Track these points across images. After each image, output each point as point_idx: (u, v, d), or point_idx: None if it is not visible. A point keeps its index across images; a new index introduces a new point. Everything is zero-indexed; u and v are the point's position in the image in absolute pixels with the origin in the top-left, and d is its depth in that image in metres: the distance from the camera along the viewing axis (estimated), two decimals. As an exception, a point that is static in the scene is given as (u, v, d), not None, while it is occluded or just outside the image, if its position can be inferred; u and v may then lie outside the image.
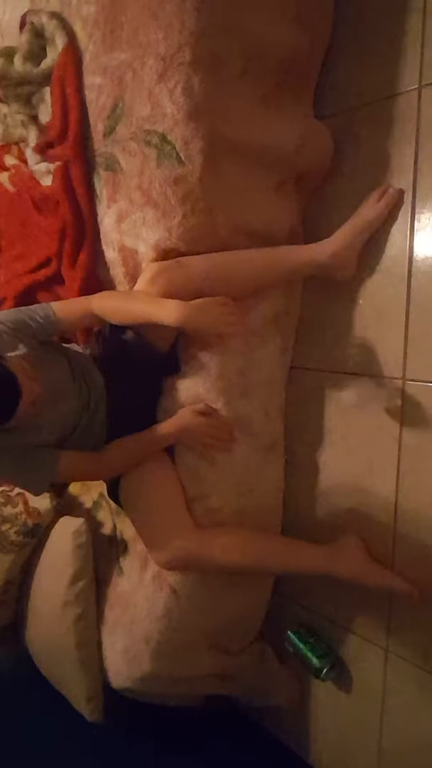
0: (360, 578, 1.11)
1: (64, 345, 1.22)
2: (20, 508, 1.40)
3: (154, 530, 1.15)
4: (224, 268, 1.13)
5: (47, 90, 1.34)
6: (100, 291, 1.20)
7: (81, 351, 1.22)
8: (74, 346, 1.24)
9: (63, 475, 1.16)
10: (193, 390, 1.18)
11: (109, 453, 1.15)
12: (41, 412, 1.02)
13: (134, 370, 1.17)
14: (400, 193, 1.09)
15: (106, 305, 1.12)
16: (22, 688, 1.46)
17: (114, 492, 1.22)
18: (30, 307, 1.12)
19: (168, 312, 1.00)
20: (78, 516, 1.37)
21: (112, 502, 1.34)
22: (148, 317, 1.04)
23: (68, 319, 1.13)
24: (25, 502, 1.41)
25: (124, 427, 1.16)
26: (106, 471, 1.20)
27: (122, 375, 1.17)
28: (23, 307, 1.12)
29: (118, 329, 1.16)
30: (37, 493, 1.19)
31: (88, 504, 1.42)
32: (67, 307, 1.15)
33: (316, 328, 1.26)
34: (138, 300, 1.07)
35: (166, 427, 1.15)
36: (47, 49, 1.32)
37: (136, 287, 1.14)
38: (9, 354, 1.01)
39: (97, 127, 1.21)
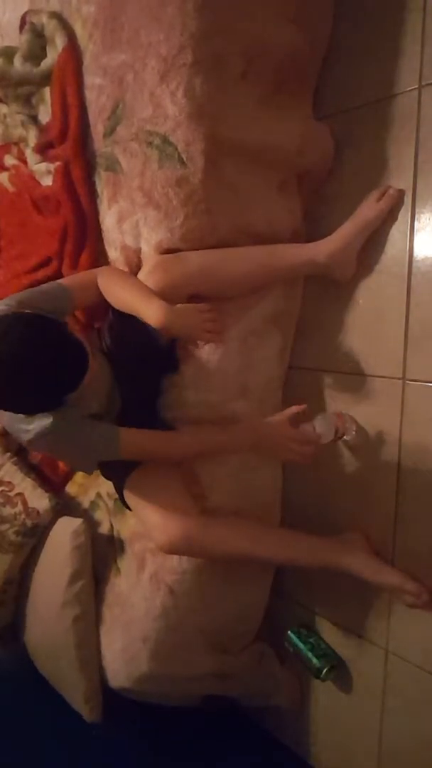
0: (366, 574, 1.10)
1: None
2: (19, 508, 1.40)
3: (156, 513, 1.11)
4: (222, 263, 1.13)
5: (47, 90, 1.34)
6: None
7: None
8: None
9: (127, 452, 1.10)
10: (191, 389, 1.18)
11: (185, 437, 1.13)
12: (85, 391, 0.98)
13: (135, 368, 1.17)
14: (400, 193, 1.09)
15: (106, 285, 1.11)
16: (20, 688, 1.46)
17: (117, 480, 1.22)
18: (40, 287, 1.10)
19: (151, 312, 1.01)
20: (76, 516, 1.37)
21: (109, 502, 1.34)
22: (136, 312, 1.04)
23: (80, 291, 1.11)
24: (24, 503, 1.41)
25: (126, 425, 1.16)
26: (178, 454, 1.16)
27: (125, 372, 1.16)
28: (33, 288, 1.09)
29: (123, 318, 1.13)
30: (89, 472, 1.19)
31: (86, 504, 1.42)
32: (76, 281, 1.13)
33: (316, 327, 1.26)
34: (132, 291, 1.06)
35: (248, 429, 1.13)
36: (47, 49, 1.32)
37: None
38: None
39: (97, 127, 1.21)
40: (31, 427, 1.01)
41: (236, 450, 1.17)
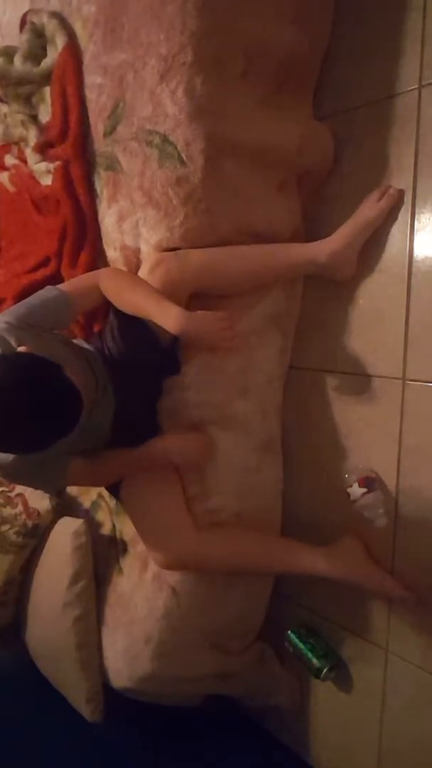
0: (357, 581, 1.12)
1: (72, 340, 1.20)
2: (20, 508, 1.40)
3: (154, 531, 1.15)
4: (222, 262, 1.13)
5: (47, 90, 1.34)
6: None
7: (85, 347, 1.19)
8: (82, 342, 1.21)
9: (70, 482, 1.22)
10: (193, 389, 1.18)
11: (106, 467, 1.16)
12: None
13: (138, 370, 1.16)
14: (401, 193, 1.09)
15: (112, 289, 1.09)
16: (21, 688, 1.46)
17: (113, 488, 1.23)
18: (37, 295, 1.07)
19: (169, 318, 1.01)
20: (77, 516, 1.37)
21: (111, 503, 1.34)
22: (149, 316, 1.04)
23: (81, 298, 1.09)
24: (25, 503, 1.41)
25: (126, 428, 1.16)
26: (100, 482, 1.27)
27: (127, 374, 1.16)
28: (31, 298, 1.06)
29: (125, 320, 1.13)
30: (49, 493, 1.31)
31: (87, 504, 1.41)
32: (77, 287, 1.10)
33: (316, 327, 1.26)
34: (143, 295, 1.05)
35: (155, 449, 1.14)
36: (47, 48, 1.32)
37: None
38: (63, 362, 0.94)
39: (98, 126, 1.21)
40: None
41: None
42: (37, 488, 1.29)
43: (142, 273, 1.13)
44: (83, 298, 1.09)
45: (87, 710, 1.28)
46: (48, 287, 1.09)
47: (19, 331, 0.97)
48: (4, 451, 0.97)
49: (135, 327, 1.10)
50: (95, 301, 1.11)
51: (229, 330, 1.04)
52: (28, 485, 1.30)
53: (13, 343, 0.95)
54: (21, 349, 0.92)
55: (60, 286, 1.10)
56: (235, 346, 1.13)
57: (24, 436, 0.87)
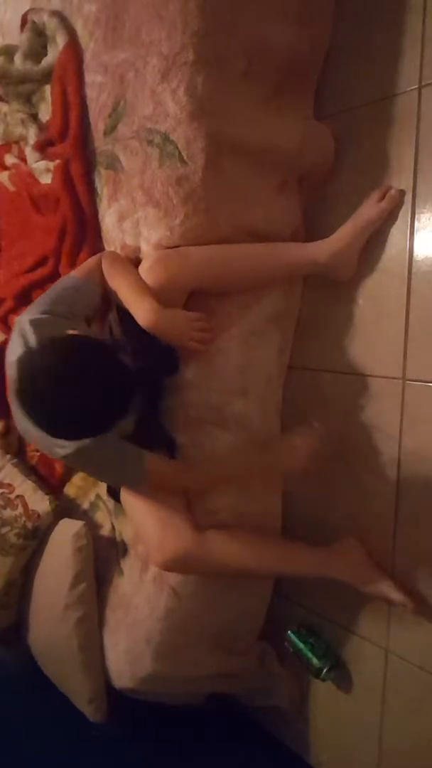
0: (357, 583, 1.12)
1: None
2: (20, 510, 1.39)
3: (153, 531, 1.14)
4: (223, 260, 1.13)
5: (48, 88, 1.34)
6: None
7: None
8: None
9: (154, 482, 1.10)
10: (192, 389, 1.18)
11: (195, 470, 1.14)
12: None
13: (137, 367, 1.16)
14: (402, 194, 1.10)
15: (107, 271, 1.13)
16: (24, 689, 1.46)
17: (112, 490, 1.22)
18: (60, 283, 1.10)
19: (140, 310, 1.02)
20: (76, 517, 1.36)
21: (109, 503, 1.33)
22: (128, 306, 1.06)
23: (100, 281, 1.12)
24: (25, 505, 1.40)
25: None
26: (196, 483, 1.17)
27: None
28: (55, 287, 1.10)
29: (125, 318, 1.13)
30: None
31: (86, 505, 1.41)
32: (89, 268, 1.13)
33: (316, 327, 1.26)
34: (127, 283, 1.08)
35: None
36: (48, 47, 1.32)
37: None
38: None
39: (98, 125, 1.21)
40: (68, 444, 1.01)
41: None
42: (112, 482, 1.22)
43: (142, 270, 1.13)
44: (101, 280, 1.12)
45: (90, 710, 1.29)
46: (66, 276, 1.11)
47: (59, 319, 1.00)
48: (68, 436, 0.97)
49: (133, 324, 1.11)
50: (104, 282, 1.14)
51: (200, 331, 1.04)
52: (98, 476, 1.23)
53: (54, 330, 0.97)
54: (71, 332, 0.94)
55: (78, 275, 1.13)
56: (205, 350, 1.12)
57: (86, 416, 0.87)
